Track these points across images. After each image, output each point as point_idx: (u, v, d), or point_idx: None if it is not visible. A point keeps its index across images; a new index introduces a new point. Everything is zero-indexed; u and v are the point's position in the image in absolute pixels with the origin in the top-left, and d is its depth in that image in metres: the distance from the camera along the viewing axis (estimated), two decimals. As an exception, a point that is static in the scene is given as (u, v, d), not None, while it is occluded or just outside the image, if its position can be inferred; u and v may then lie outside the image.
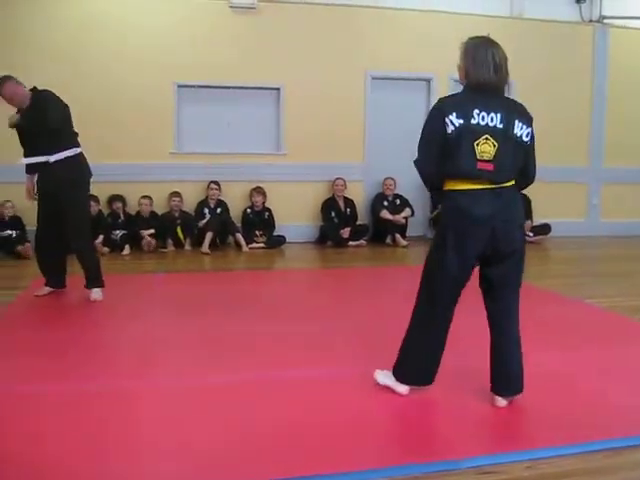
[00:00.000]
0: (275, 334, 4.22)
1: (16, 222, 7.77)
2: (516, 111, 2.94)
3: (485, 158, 2.83)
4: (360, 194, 9.19)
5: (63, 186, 5.04)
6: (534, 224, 9.39)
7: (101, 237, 7.84)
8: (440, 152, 2.91)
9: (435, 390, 3.27)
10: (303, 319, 4.68)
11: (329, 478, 2.40)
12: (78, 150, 5.26)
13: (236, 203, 8.72)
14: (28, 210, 7.89)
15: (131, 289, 5.85)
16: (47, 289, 5.34)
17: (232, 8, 8.55)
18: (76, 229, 5.12)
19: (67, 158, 5.12)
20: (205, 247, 8.00)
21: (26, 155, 5.13)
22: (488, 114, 2.85)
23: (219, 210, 8.45)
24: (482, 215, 2.85)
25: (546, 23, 9.56)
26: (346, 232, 8.65)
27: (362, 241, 8.79)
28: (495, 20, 9.32)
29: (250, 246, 8.30)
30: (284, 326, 4.42)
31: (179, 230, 8.30)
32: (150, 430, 2.79)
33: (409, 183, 9.29)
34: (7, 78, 5.06)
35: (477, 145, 2.83)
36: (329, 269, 7.22)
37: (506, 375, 3.08)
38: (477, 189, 2.87)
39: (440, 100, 2.99)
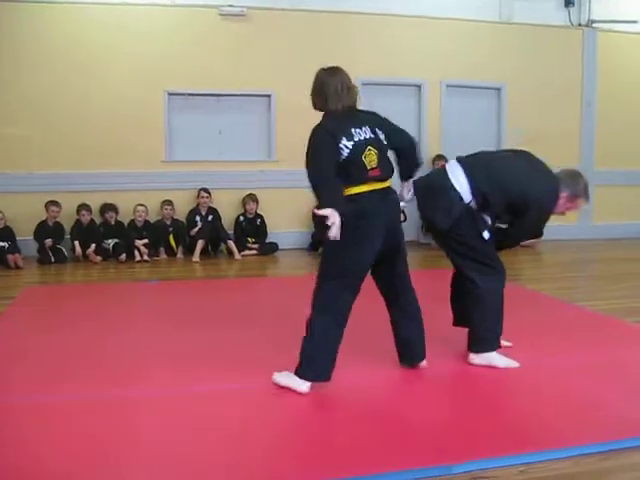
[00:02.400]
0: (265, 341, 4.20)
1: (7, 233, 7.72)
2: (373, 120, 3.45)
3: (373, 166, 3.30)
4: (352, 200, 9.16)
5: None
6: (526, 228, 9.39)
7: (93, 246, 7.82)
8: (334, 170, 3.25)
9: (423, 394, 3.26)
10: (291, 326, 4.64)
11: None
12: None
13: (228, 210, 8.70)
14: (17, 221, 7.91)
15: (123, 297, 5.83)
16: None
17: (222, 15, 8.55)
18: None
19: None
20: (196, 256, 7.97)
21: None
22: (361, 128, 3.34)
23: (210, 218, 8.43)
24: (378, 211, 3.32)
25: (535, 27, 9.58)
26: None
27: (355, 247, 8.75)
28: (484, 25, 9.38)
29: (242, 253, 8.27)
30: (273, 333, 4.39)
31: (171, 238, 8.28)
32: (145, 439, 2.77)
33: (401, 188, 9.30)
34: None
35: (365, 157, 3.29)
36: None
37: (407, 346, 3.60)
38: (369, 191, 3.30)
39: (325, 125, 3.32)
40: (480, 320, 3.69)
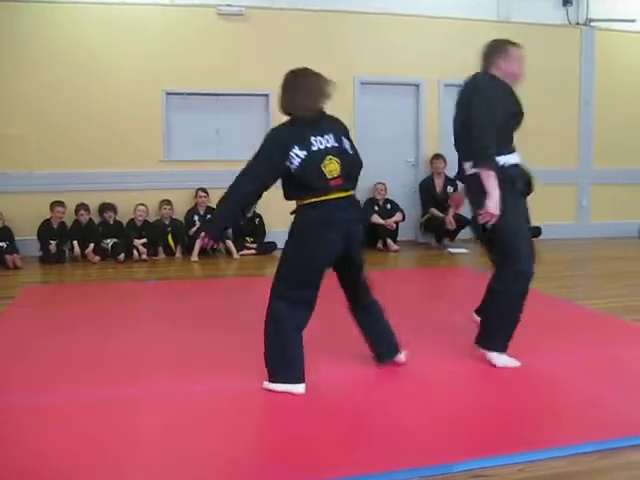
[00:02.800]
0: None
1: (6, 233, 7.72)
2: (340, 128, 3.43)
3: (334, 175, 3.27)
4: (350, 199, 9.17)
5: None
6: (524, 227, 9.41)
7: (92, 245, 7.83)
8: (272, 179, 3.37)
9: (422, 393, 3.26)
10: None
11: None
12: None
13: (226, 210, 8.68)
14: (16, 220, 7.91)
15: (122, 297, 5.83)
16: None
17: (220, 15, 8.55)
18: None
19: None
20: (194, 255, 7.98)
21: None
22: (323, 137, 3.29)
23: (209, 217, 8.43)
24: (339, 219, 3.28)
25: (533, 26, 9.57)
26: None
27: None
28: (482, 24, 9.36)
29: (241, 253, 8.28)
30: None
31: (170, 238, 8.29)
32: (144, 438, 2.77)
33: (400, 188, 9.32)
34: None
35: (324, 167, 3.25)
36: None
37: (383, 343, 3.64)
38: (331, 199, 3.27)
39: (278, 131, 3.37)
40: (488, 316, 3.71)
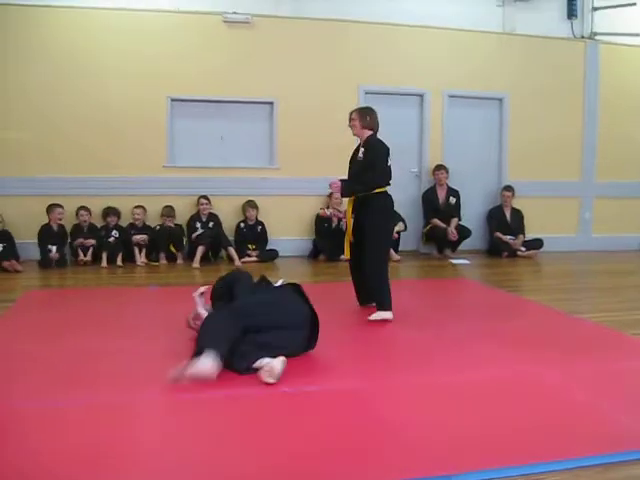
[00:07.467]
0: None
1: (5, 236, 7.73)
2: None
3: None
4: (353, 208, 9.17)
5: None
6: (526, 239, 9.41)
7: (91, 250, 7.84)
8: None
9: (422, 403, 3.25)
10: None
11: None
12: None
13: (229, 217, 8.71)
14: (16, 224, 7.91)
15: (123, 302, 5.82)
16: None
17: (226, 22, 8.58)
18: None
19: None
20: (196, 262, 7.97)
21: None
22: None
23: (211, 224, 8.44)
24: None
25: (538, 39, 9.63)
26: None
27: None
28: (487, 36, 9.42)
29: (243, 260, 8.27)
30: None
31: (171, 244, 8.29)
32: (147, 445, 2.76)
33: (402, 197, 9.30)
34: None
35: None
36: (320, 283, 7.17)
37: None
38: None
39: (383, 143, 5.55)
40: None
